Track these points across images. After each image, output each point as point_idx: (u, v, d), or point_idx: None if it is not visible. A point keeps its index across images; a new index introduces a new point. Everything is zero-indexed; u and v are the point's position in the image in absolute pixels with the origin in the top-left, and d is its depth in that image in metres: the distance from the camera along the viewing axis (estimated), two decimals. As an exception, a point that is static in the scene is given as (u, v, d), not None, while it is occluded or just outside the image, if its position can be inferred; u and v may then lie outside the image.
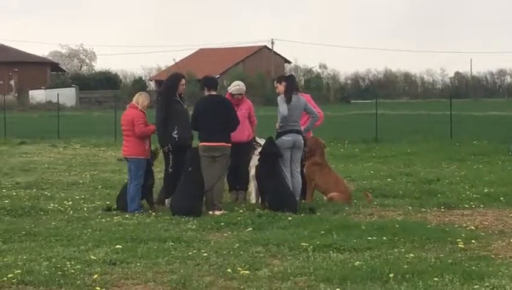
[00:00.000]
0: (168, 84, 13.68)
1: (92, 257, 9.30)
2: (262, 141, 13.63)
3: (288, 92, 13.17)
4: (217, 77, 13.95)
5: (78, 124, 45.21)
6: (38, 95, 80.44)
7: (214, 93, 13.10)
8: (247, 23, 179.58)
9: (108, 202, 13.67)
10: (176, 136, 13.20)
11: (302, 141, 13.33)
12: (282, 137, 13.19)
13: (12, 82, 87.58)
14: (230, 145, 12.88)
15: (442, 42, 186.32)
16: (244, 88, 14.13)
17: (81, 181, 17.48)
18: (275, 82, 13.83)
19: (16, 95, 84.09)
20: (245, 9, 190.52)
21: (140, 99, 13.19)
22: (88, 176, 18.68)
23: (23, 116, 59.34)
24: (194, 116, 13.00)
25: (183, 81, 13.59)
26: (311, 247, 9.72)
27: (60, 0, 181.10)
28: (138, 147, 13.00)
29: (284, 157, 13.10)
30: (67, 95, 75.27)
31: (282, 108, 13.06)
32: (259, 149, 13.44)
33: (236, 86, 14.06)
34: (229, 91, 14.03)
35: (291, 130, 13.17)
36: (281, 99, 13.19)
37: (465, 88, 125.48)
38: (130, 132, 13.04)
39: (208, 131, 12.77)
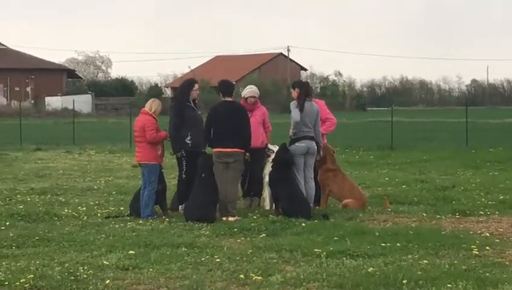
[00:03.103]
0: (181, 90, 13.74)
1: (105, 262, 9.32)
2: (275, 148, 13.59)
3: (301, 98, 13.14)
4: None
5: (93, 130, 45.37)
6: (54, 102, 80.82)
7: (229, 99, 13.08)
8: (263, 30, 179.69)
9: (121, 209, 13.67)
10: (189, 142, 13.21)
11: (316, 148, 13.28)
12: (296, 143, 13.14)
13: (28, 89, 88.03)
14: (243, 151, 12.86)
15: (459, 49, 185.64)
16: (257, 91, 14.11)
17: (95, 187, 17.52)
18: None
19: (32, 101, 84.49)
20: (261, 16, 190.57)
21: (152, 105, 13.22)
22: (103, 182, 18.73)
23: (39, 122, 59.52)
24: (207, 122, 12.99)
25: (196, 86, 13.62)
26: (324, 253, 9.69)
27: (77, 7, 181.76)
28: (150, 153, 13.02)
29: (297, 163, 13.06)
30: (83, 102, 75.54)
31: (295, 114, 13.03)
32: (273, 156, 13.42)
33: (249, 89, 14.06)
34: (243, 95, 14.03)
35: (304, 137, 13.12)
36: (293, 105, 13.15)
37: (481, 95, 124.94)
38: (142, 138, 13.06)
39: (221, 137, 12.76)
